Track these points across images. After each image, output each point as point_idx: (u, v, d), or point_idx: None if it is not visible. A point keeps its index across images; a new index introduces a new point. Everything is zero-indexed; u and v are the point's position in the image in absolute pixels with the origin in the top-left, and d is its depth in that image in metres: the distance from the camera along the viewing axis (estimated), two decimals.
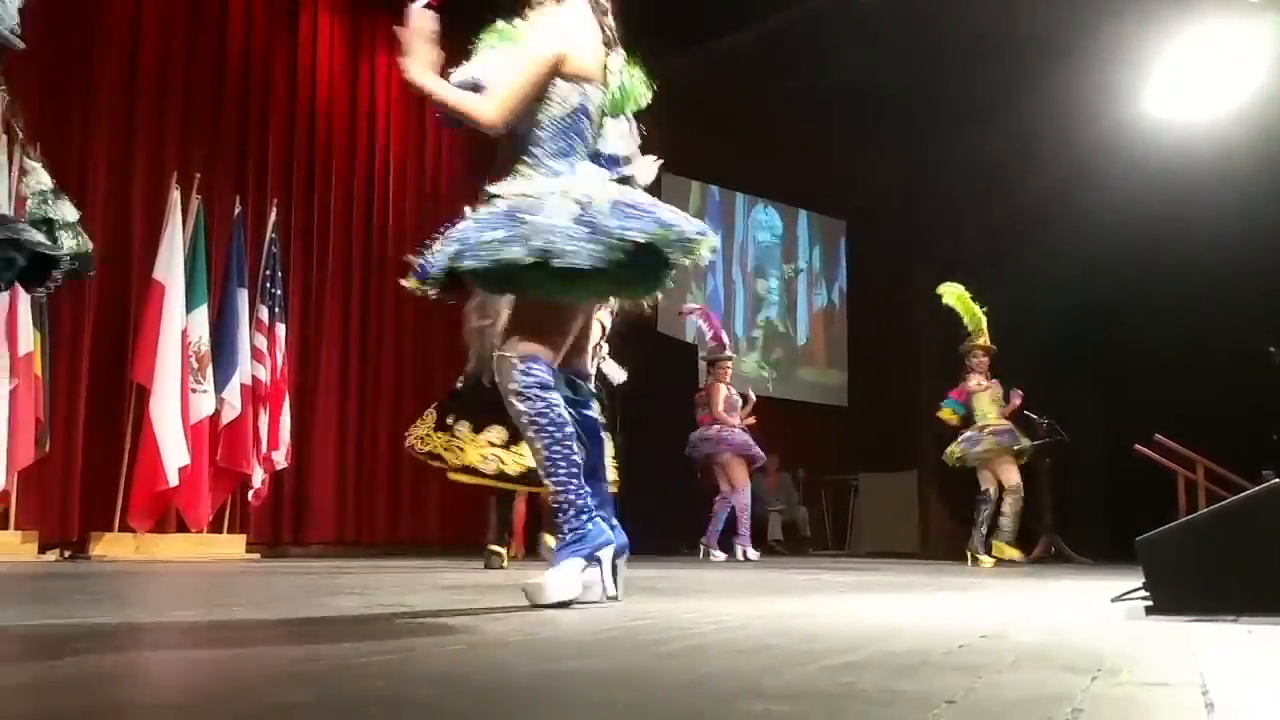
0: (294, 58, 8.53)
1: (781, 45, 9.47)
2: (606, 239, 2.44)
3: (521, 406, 2.61)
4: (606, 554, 2.68)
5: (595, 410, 2.95)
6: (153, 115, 7.48)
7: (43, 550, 6.27)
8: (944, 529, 10.77)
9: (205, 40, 7.88)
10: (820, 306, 13.36)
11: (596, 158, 2.81)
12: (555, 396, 2.63)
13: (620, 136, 2.91)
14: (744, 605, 3.02)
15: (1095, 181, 9.66)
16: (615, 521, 2.85)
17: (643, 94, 2.94)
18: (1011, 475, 8.06)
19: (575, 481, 2.61)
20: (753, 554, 8.56)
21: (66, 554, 6.44)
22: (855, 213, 13.12)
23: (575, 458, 2.62)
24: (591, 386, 3.00)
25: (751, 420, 8.81)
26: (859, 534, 12.01)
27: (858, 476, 12.06)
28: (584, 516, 2.61)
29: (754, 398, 8.98)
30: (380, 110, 9.14)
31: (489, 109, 2.71)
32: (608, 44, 2.86)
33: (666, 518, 8.75)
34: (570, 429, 2.63)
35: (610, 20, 2.89)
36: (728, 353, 8.95)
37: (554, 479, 2.61)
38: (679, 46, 8.15)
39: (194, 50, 7.79)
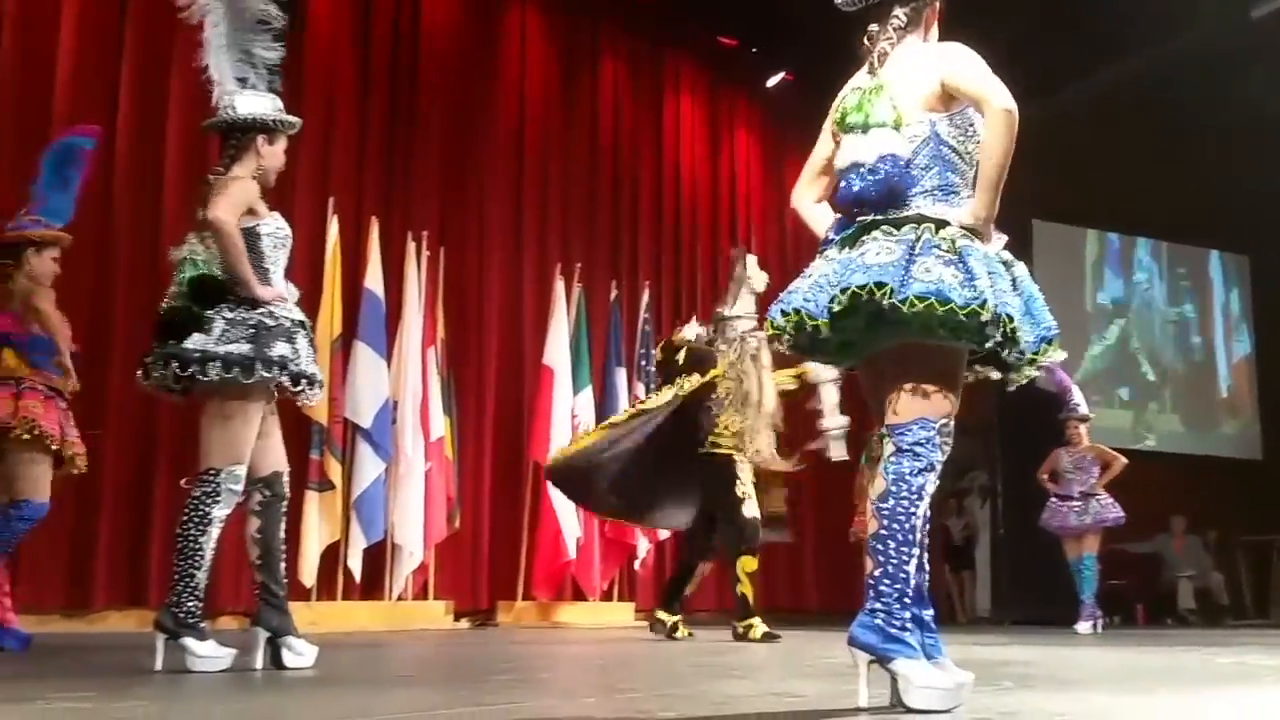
0: (659, 142, 8.98)
1: (1159, 77, 8.79)
2: None
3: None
4: None
5: None
6: (537, 211, 8.11)
7: (457, 618, 6.85)
8: None
9: (580, 132, 8.49)
10: (1243, 354, 12.14)
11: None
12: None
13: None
14: (1177, 703, 2.72)
15: None
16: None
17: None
18: None
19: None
20: (1082, 627, 7.48)
21: (477, 622, 7.00)
22: (1259, 245, 11.84)
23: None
24: None
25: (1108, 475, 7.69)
26: None
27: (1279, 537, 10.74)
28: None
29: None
30: (741, 188, 9.40)
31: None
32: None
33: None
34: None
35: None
36: (1081, 411, 7.77)
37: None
38: (1059, 92, 7.84)
39: (570, 144, 8.40)
